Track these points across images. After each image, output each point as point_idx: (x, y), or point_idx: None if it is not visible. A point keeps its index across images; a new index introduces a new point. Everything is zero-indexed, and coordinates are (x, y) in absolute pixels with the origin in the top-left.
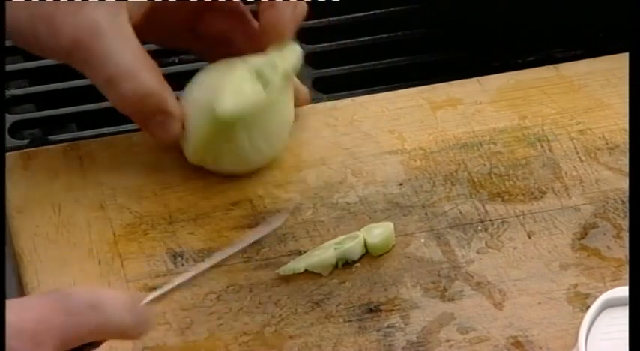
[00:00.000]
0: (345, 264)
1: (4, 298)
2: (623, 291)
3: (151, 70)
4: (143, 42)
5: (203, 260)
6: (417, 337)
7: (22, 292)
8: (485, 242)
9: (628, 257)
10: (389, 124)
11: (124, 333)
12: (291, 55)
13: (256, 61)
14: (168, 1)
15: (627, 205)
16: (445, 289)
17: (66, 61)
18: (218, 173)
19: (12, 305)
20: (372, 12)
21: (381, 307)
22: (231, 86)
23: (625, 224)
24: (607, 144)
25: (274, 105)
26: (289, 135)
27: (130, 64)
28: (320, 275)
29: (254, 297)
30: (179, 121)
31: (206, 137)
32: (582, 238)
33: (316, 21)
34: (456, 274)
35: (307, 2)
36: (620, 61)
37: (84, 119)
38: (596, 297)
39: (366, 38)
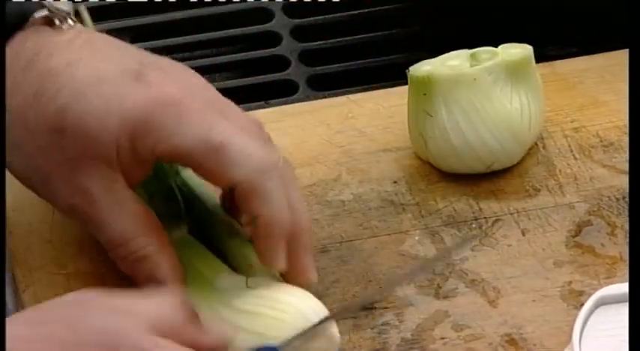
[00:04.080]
0: None
1: (4, 298)
2: (617, 288)
3: (148, 234)
4: None
5: None
6: (412, 335)
7: (15, 290)
8: (480, 240)
9: (628, 257)
10: (383, 122)
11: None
12: (516, 51)
13: (478, 48)
14: None
15: (622, 202)
16: (439, 287)
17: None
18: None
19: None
20: (367, 10)
21: (376, 305)
22: (437, 60)
23: (619, 222)
24: (601, 141)
25: (483, 90)
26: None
27: (124, 231)
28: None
29: None
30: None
31: (411, 106)
32: (576, 235)
33: (312, 19)
34: (450, 272)
35: (303, 0)
36: (615, 59)
37: None
38: (590, 294)
39: (362, 36)
